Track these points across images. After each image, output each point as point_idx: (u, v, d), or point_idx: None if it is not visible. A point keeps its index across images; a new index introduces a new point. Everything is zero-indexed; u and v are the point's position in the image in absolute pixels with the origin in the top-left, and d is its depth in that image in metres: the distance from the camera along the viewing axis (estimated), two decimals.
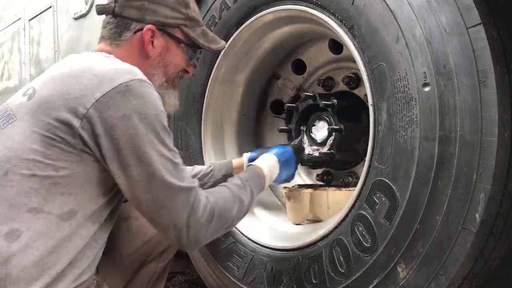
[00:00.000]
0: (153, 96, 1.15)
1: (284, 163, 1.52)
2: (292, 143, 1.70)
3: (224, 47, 1.49)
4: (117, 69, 1.15)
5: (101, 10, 1.35)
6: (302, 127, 1.82)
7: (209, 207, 1.18)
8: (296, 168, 1.61)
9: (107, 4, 1.33)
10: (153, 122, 1.13)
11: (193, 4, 1.39)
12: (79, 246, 1.14)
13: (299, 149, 1.65)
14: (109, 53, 1.30)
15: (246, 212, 1.32)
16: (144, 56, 1.33)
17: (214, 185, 1.65)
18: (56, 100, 1.11)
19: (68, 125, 1.10)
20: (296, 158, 1.60)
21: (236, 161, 1.76)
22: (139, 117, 1.11)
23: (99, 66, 1.16)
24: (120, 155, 1.11)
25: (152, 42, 1.32)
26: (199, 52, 1.46)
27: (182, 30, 1.36)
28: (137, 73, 1.16)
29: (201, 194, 1.18)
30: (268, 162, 1.47)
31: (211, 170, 1.70)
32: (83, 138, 1.10)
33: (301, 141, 1.73)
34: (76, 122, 1.09)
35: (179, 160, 1.18)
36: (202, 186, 1.61)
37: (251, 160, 1.64)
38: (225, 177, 1.70)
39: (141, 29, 1.30)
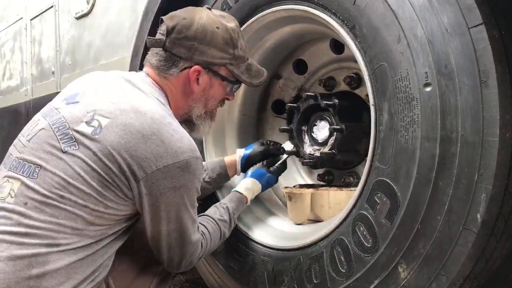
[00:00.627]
0: (201, 171, 1.32)
1: (265, 186, 1.74)
2: (276, 164, 1.79)
3: (266, 81, 1.56)
4: (181, 142, 1.24)
5: (152, 44, 1.40)
6: (303, 127, 1.82)
7: (201, 253, 1.42)
8: (276, 181, 1.79)
9: (158, 38, 1.38)
10: (194, 195, 1.31)
11: (241, 41, 1.44)
12: (103, 258, 1.27)
13: (282, 169, 1.80)
14: (159, 84, 1.39)
15: (225, 238, 1.57)
16: (188, 92, 1.41)
17: (209, 184, 1.78)
18: (122, 151, 1.19)
19: (126, 178, 1.21)
20: (276, 179, 1.78)
21: (228, 159, 1.81)
22: (185, 190, 1.27)
23: (166, 132, 1.23)
24: (157, 212, 1.27)
25: (197, 80, 1.39)
26: (240, 84, 1.52)
27: (227, 68, 1.42)
28: (196, 150, 1.28)
29: (200, 243, 1.40)
30: (253, 191, 1.70)
31: (205, 171, 1.76)
32: (133, 192, 1.23)
33: (285, 163, 1.81)
34: (132, 180, 1.21)
35: (196, 219, 1.39)
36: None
37: (245, 158, 1.77)
38: (219, 177, 1.80)
39: (188, 67, 1.37)
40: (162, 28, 1.38)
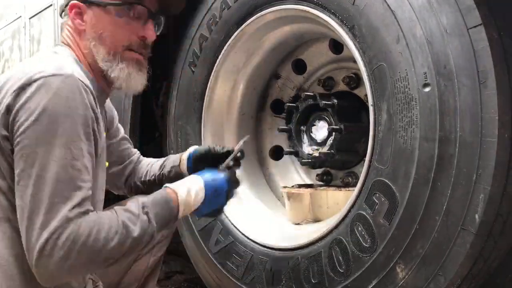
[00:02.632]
0: (79, 96, 1.07)
1: (211, 192, 1.29)
2: (230, 171, 1.38)
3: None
4: (46, 64, 1.10)
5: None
6: (302, 127, 1.82)
7: (70, 242, 0.99)
8: (225, 203, 1.36)
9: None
10: (73, 135, 1.04)
11: None
12: None
13: (234, 181, 1.38)
14: (62, 43, 1.28)
15: (137, 245, 1.10)
16: (78, 33, 1.28)
17: (163, 176, 1.53)
18: None
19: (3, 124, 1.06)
20: (228, 191, 1.34)
21: (184, 154, 1.55)
22: (48, 118, 1.02)
23: (34, 63, 1.12)
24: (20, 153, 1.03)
25: (82, 18, 1.27)
26: (137, 8, 1.29)
27: None
28: (65, 69, 1.09)
29: (71, 228, 0.99)
30: (189, 186, 1.25)
31: (164, 161, 1.58)
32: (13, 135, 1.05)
33: (235, 174, 1.40)
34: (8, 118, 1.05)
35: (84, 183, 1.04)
36: (160, 176, 1.53)
37: (194, 156, 1.50)
38: (173, 169, 1.53)
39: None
40: None
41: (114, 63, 1.26)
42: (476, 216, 1.10)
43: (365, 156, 1.35)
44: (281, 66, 2.00)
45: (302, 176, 2.00)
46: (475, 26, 1.10)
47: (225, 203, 1.35)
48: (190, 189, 1.24)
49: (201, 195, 1.26)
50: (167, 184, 1.26)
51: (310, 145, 1.78)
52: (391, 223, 1.23)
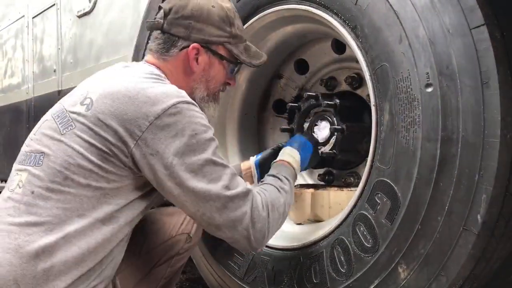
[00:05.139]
0: (200, 114, 1.24)
1: (302, 151, 1.57)
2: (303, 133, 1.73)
3: (265, 61, 1.52)
4: (167, 92, 1.22)
5: (151, 26, 1.40)
6: (304, 126, 1.82)
7: (265, 202, 1.28)
8: (313, 151, 1.63)
9: (156, 20, 1.38)
10: (203, 138, 1.22)
11: (237, 21, 1.43)
12: (112, 246, 1.23)
13: (307, 134, 1.71)
14: (157, 66, 1.36)
15: (291, 199, 1.41)
16: (188, 72, 1.39)
17: None
18: (114, 118, 1.18)
19: (123, 143, 1.18)
20: (310, 142, 1.62)
21: (244, 165, 1.75)
22: (190, 135, 1.19)
23: (152, 87, 1.22)
24: (175, 174, 1.19)
25: (197, 59, 1.38)
26: (240, 66, 1.49)
27: (225, 47, 1.41)
28: (184, 95, 1.24)
29: (255, 192, 1.28)
30: (291, 155, 1.53)
31: None
32: (134, 157, 1.19)
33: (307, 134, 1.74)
34: (131, 142, 1.18)
35: (230, 168, 1.26)
36: None
37: (257, 163, 1.69)
38: None
39: (187, 47, 1.36)
40: (160, 13, 1.39)
41: (211, 103, 1.45)
42: (478, 217, 1.09)
43: (367, 156, 1.35)
44: (283, 66, 2.00)
45: (304, 176, 2.00)
46: (477, 26, 1.09)
47: (313, 151, 1.62)
48: (293, 155, 1.53)
49: (298, 156, 1.54)
50: (277, 160, 1.52)
51: None
52: (393, 223, 1.23)
